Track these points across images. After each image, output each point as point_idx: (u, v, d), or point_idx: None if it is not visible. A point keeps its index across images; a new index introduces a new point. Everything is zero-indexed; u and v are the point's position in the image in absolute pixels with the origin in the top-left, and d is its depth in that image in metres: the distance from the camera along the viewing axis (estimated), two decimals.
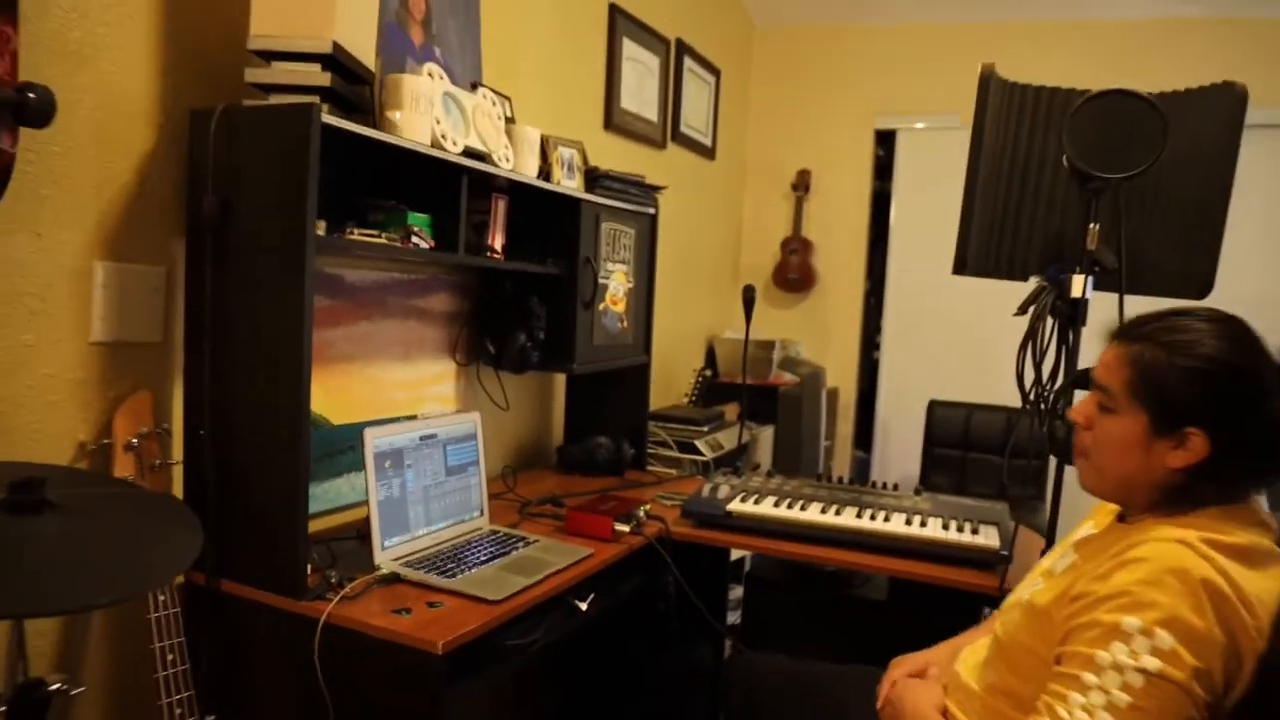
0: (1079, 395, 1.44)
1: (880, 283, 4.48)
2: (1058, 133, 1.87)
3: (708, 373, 3.91)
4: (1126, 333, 1.24)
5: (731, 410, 3.58)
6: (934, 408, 3.64)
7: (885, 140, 4.41)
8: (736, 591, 3.10)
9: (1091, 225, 1.84)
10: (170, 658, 1.44)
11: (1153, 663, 1.01)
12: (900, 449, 4.29)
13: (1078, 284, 1.87)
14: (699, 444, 2.99)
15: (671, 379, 3.75)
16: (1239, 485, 1.18)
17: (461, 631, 1.44)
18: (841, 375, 4.44)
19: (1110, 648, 1.04)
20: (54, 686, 1.12)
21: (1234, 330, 1.18)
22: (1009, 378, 1.93)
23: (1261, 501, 1.22)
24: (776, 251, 4.51)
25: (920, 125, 4.25)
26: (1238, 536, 1.11)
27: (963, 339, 4.06)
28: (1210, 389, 1.15)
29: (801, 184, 4.43)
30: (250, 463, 1.54)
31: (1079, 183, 1.83)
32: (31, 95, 1.25)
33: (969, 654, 1.40)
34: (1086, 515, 1.42)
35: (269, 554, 1.52)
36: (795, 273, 4.45)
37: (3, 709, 1.08)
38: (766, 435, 3.70)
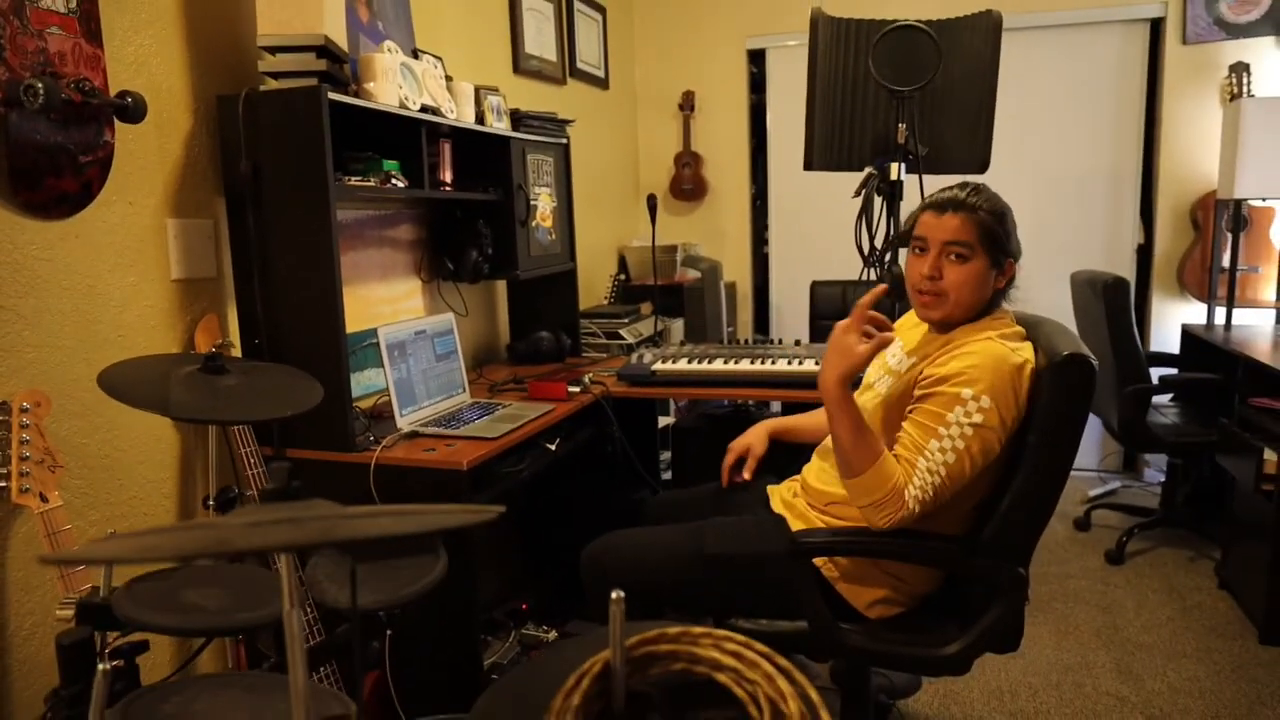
0: (903, 253, 2.06)
1: (764, 185, 5.07)
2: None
3: (621, 277, 4.50)
4: (962, 205, 1.74)
5: (645, 308, 4.17)
6: (815, 287, 4.28)
7: (757, 58, 4.95)
8: (666, 455, 3.75)
9: (900, 125, 2.47)
10: None
11: (979, 417, 1.60)
12: (792, 326, 4.97)
13: (894, 170, 2.51)
14: (622, 332, 3.60)
15: (591, 285, 4.31)
16: (1004, 296, 1.83)
17: (476, 455, 2.03)
18: (738, 270, 5.06)
19: (954, 410, 1.62)
20: (235, 492, 1.65)
21: (994, 192, 1.82)
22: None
23: None
24: (671, 166, 5.04)
25: (791, 43, 4.77)
26: (1012, 328, 1.74)
27: (834, 225, 4.70)
28: (1009, 231, 1.75)
29: (687, 104, 4.95)
30: (296, 359, 2.06)
31: (888, 94, 2.45)
32: (130, 100, 1.73)
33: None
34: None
35: (325, 423, 2.06)
36: (689, 184, 5.00)
37: (210, 504, 1.60)
38: (677, 326, 4.32)
